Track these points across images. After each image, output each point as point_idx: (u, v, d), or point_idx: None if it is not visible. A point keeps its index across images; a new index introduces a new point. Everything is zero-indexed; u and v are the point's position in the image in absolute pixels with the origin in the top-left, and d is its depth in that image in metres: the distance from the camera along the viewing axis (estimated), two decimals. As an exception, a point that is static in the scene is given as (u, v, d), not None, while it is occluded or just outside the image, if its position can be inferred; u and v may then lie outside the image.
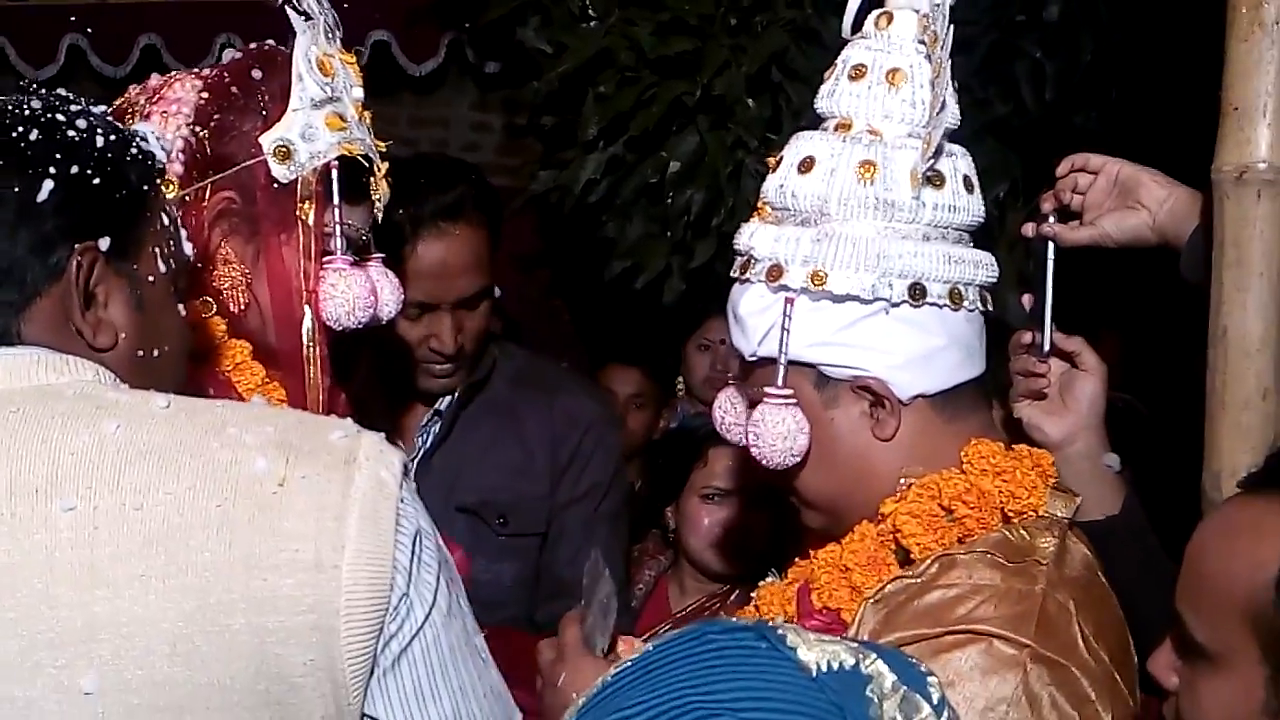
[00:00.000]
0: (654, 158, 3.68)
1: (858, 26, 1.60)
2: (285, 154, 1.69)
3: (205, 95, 1.73)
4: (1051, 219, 1.81)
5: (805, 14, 3.56)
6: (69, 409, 1.22)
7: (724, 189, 3.64)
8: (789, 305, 1.50)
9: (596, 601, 1.49)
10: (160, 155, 1.39)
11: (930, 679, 1.00)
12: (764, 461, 1.53)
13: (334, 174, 1.70)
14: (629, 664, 1.01)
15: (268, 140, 1.69)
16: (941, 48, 1.52)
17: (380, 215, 1.81)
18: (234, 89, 1.73)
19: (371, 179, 1.78)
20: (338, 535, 1.19)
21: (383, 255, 1.84)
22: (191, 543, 1.17)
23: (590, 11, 3.70)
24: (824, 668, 0.98)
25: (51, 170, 1.26)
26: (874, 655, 1.00)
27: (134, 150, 1.35)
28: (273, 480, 1.19)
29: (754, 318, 1.54)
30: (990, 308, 1.58)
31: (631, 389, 3.73)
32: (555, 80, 3.67)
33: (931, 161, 1.50)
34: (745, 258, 1.56)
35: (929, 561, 1.48)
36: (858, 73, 1.55)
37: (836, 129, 1.55)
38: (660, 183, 3.68)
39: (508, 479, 2.38)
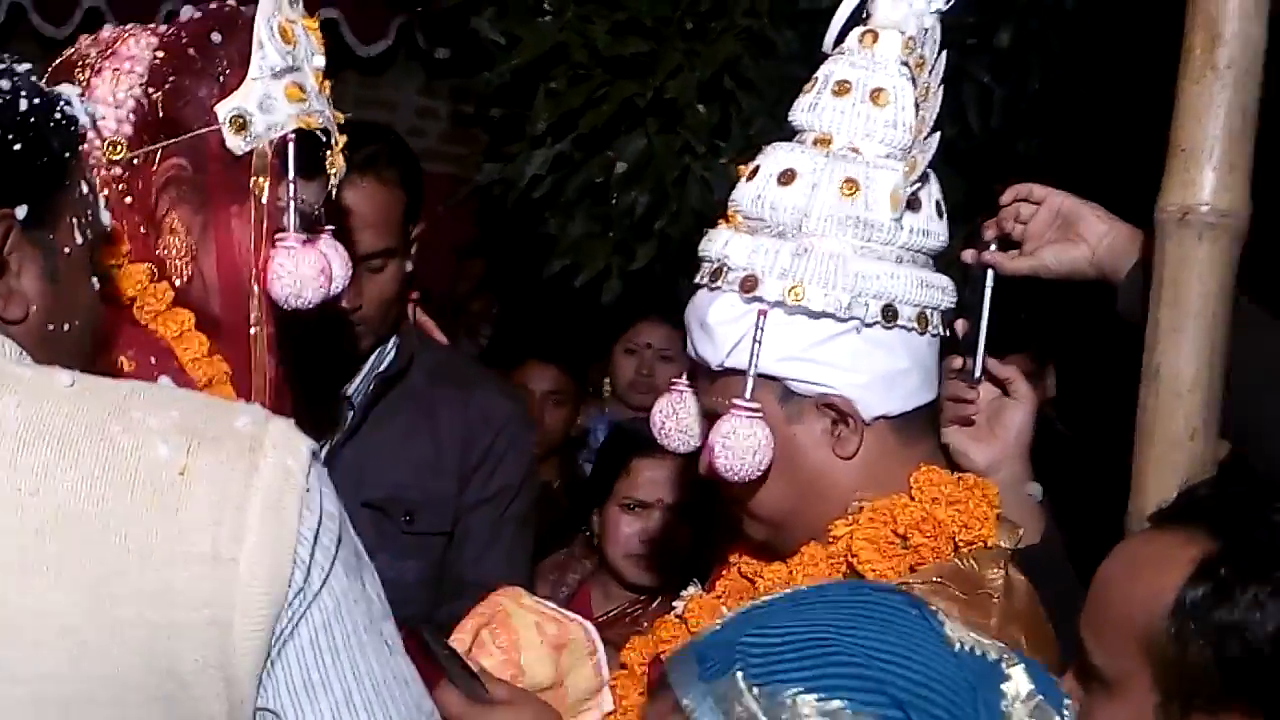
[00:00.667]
0: (601, 157, 3.67)
1: (839, 41, 1.59)
2: (241, 125, 1.63)
3: (160, 55, 1.66)
4: (992, 246, 1.82)
5: (761, 23, 3.58)
6: None
7: (669, 193, 3.64)
8: (762, 318, 1.48)
9: (452, 669, 1.53)
10: (84, 120, 1.34)
11: (1067, 701, 1.02)
12: (727, 474, 1.50)
13: (290, 148, 1.64)
14: (781, 595, 1.04)
15: (224, 109, 1.63)
16: (930, 72, 1.51)
17: (335, 190, 1.76)
18: (191, 50, 1.67)
19: (328, 153, 1.72)
20: (238, 527, 1.14)
21: (332, 228, 1.78)
22: (86, 532, 1.12)
23: (546, 6, 3.68)
24: (967, 649, 1.01)
25: None
26: (1018, 660, 1.03)
27: (58, 114, 1.29)
28: (174, 468, 1.14)
29: (723, 327, 1.52)
30: (945, 333, 1.58)
31: (548, 385, 3.70)
32: (507, 72, 3.65)
33: (916, 186, 1.49)
34: (716, 265, 1.54)
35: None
36: (841, 88, 1.54)
37: (816, 143, 1.54)
38: (605, 183, 3.68)
39: (416, 476, 2.31)
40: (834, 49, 1.59)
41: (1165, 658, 1.26)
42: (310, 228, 1.72)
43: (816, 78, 1.59)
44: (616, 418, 3.74)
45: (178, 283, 1.68)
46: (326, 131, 1.70)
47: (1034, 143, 3.63)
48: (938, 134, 1.48)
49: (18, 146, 1.24)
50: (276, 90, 1.64)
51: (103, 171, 1.66)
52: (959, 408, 1.78)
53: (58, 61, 1.72)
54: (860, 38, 1.57)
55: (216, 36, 1.67)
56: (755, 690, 0.98)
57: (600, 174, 3.68)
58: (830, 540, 1.52)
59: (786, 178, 1.52)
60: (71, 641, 1.12)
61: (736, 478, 1.50)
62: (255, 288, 1.67)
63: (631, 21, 3.58)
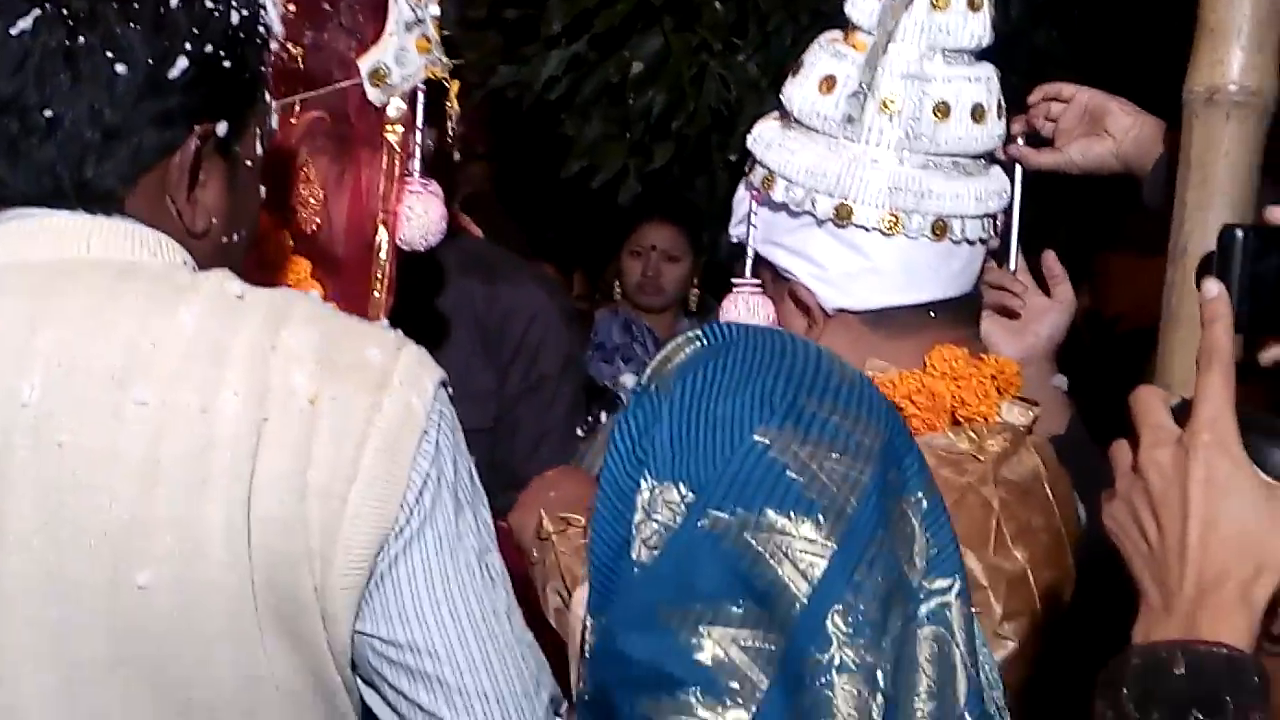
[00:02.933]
0: (617, 57, 3.66)
1: None
2: (381, 77, 1.68)
3: (292, 7, 1.67)
4: (1020, 141, 1.83)
5: (778, -82, 3.53)
6: (151, 290, 1.20)
7: (686, 91, 3.64)
8: (754, 203, 1.55)
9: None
10: (278, 29, 1.35)
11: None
12: None
13: (420, 97, 1.71)
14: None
15: (365, 63, 1.68)
16: None
17: (452, 135, 1.85)
18: (325, 4, 1.70)
19: (446, 100, 1.80)
20: (352, 465, 1.18)
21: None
22: (239, 452, 1.16)
23: (559, -94, 3.65)
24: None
25: (187, 46, 1.22)
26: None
27: (260, 26, 1.30)
28: (305, 396, 1.18)
29: (737, 209, 1.59)
30: (974, 237, 1.56)
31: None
32: (519, -27, 3.63)
33: (864, 92, 1.49)
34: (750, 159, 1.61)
35: None
36: None
37: (842, 37, 1.55)
38: (622, 83, 3.67)
39: (453, 372, 2.35)
40: None
41: None
42: (426, 171, 1.78)
43: None
44: (628, 318, 3.78)
45: (306, 230, 1.72)
46: (446, 80, 1.76)
47: (1053, 33, 3.61)
48: (971, 27, 1.49)
49: (227, 64, 1.25)
50: (409, 43, 1.70)
51: None
52: (1001, 296, 1.80)
53: None
54: None
55: None
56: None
57: (616, 74, 3.67)
58: None
59: (795, 67, 1.56)
60: (228, 557, 1.16)
61: None
62: (383, 231, 1.73)
63: (647, -80, 3.55)
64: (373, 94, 1.69)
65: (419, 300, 2.33)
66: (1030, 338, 1.78)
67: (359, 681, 1.25)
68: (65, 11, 1.20)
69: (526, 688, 1.25)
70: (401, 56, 1.70)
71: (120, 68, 1.20)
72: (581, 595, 1.53)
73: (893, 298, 1.54)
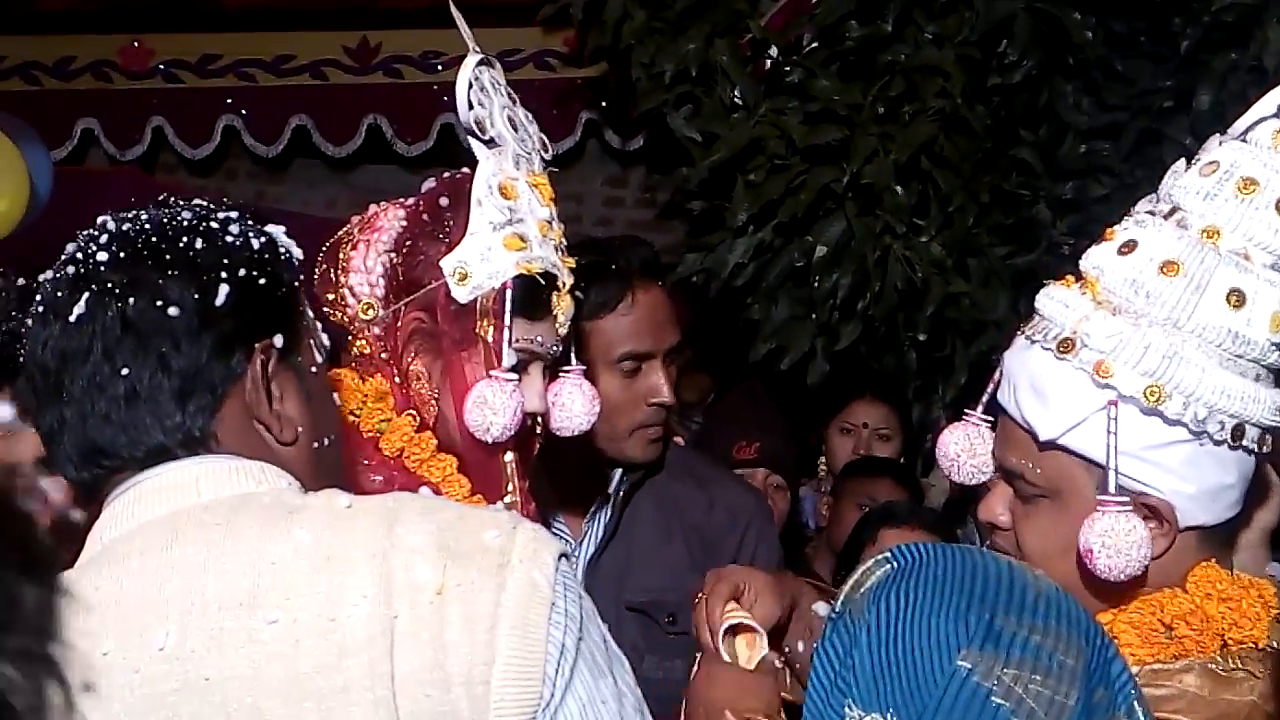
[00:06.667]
0: (801, 241, 3.73)
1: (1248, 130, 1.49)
2: (463, 275, 1.76)
3: (404, 224, 1.82)
4: None
5: (954, 103, 3.59)
6: (265, 517, 1.26)
7: (870, 273, 3.67)
8: (1113, 408, 1.43)
9: None
10: (296, 252, 1.43)
11: None
12: (1107, 574, 1.44)
13: (508, 293, 1.75)
14: None
15: (448, 264, 1.76)
16: None
17: (564, 329, 1.87)
18: (425, 216, 1.82)
19: (554, 295, 1.83)
20: (488, 649, 1.20)
21: (581, 367, 1.92)
22: (375, 654, 1.19)
23: (738, 101, 3.78)
24: None
25: (223, 275, 1.31)
26: None
27: (281, 249, 1.40)
28: (431, 588, 1.21)
29: (1063, 401, 1.46)
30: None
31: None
32: (705, 169, 3.75)
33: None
34: (1068, 336, 1.47)
35: (1136, 669, 1.40)
36: (1247, 185, 1.44)
37: (1204, 234, 1.44)
38: (806, 266, 3.73)
39: (675, 577, 2.34)
40: (1241, 136, 1.47)
41: None
42: (555, 365, 1.85)
43: (1216, 161, 1.46)
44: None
45: (429, 424, 1.80)
46: (549, 275, 1.81)
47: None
48: None
49: (263, 281, 1.34)
50: (495, 242, 1.76)
51: (364, 333, 1.82)
52: None
53: (334, 239, 1.89)
54: (1275, 134, 1.45)
55: (444, 200, 1.81)
56: None
57: (801, 258, 3.73)
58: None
59: (1170, 269, 1.43)
60: None
61: (1120, 576, 1.44)
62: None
63: (824, 111, 3.63)
64: (456, 291, 1.76)
65: (635, 506, 2.41)
66: (1244, 529, 1.73)
67: None
68: (110, 285, 1.30)
69: None
70: (487, 254, 1.76)
71: (173, 311, 1.29)
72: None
73: (1231, 511, 1.49)
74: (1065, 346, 1.46)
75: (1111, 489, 1.43)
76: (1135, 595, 1.48)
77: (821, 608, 1.37)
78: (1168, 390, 1.42)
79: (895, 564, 1.16)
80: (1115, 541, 1.43)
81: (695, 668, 1.80)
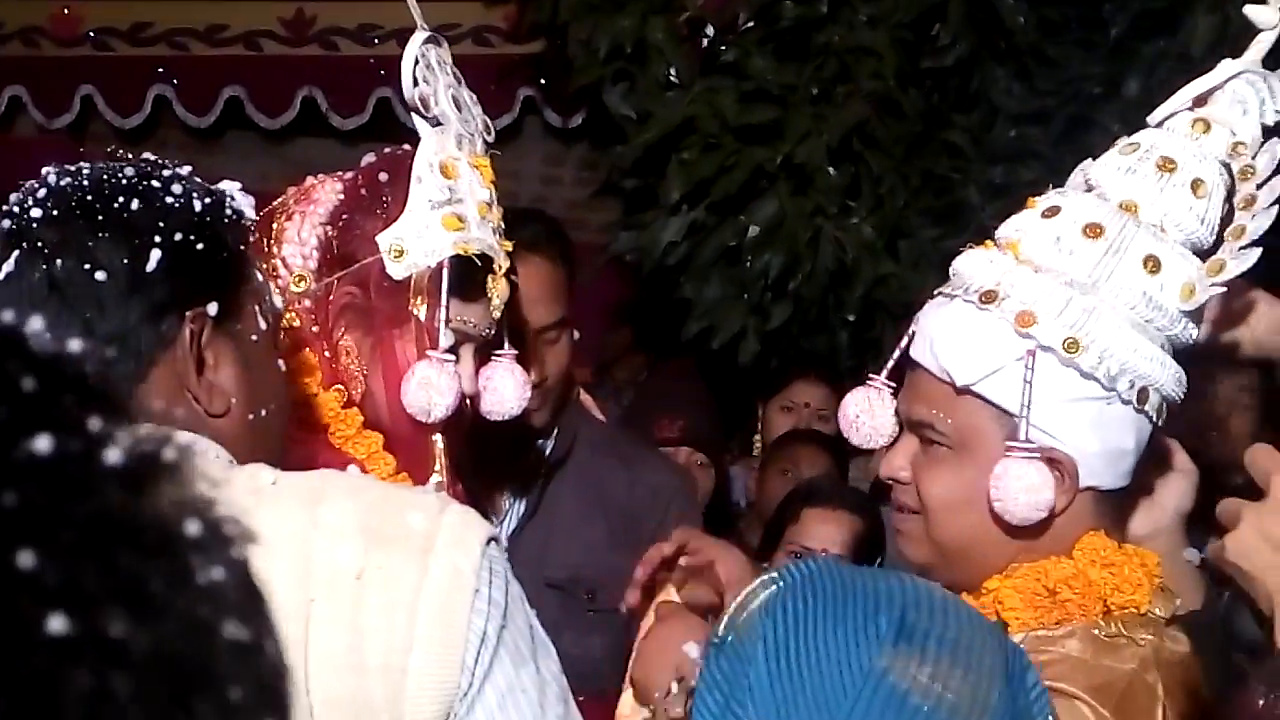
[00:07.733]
0: (734, 221, 3.75)
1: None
2: (399, 252, 1.74)
3: (341, 197, 1.80)
4: None
5: (887, 85, 3.63)
6: None
7: (802, 254, 3.70)
8: (1031, 357, 1.47)
9: None
10: (249, 212, 1.40)
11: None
12: (1007, 517, 1.48)
13: (445, 273, 1.74)
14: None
15: (384, 239, 1.74)
16: (1260, 186, 1.49)
17: (498, 312, 1.86)
18: (363, 191, 1.80)
19: (490, 277, 1.82)
20: (407, 636, 1.18)
21: (514, 352, 1.91)
22: (290, 637, 1.18)
23: (674, 79, 3.78)
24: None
25: (157, 239, 1.27)
26: None
27: (228, 210, 1.35)
28: (352, 572, 1.19)
29: (981, 350, 1.49)
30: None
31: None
32: (640, 146, 3.75)
33: (1215, 291, 1.48)
34: (990, 289, 1.50)
35: (1021, 636, 1.45)
36: (1166, 164, 1.51)
37: (1122, 207, 1.51)
38: (739, 246, 3.74)
39: (594, 554, 2.37)
40: (1159, 125, 1.56)
41: None
42: (485, 348, 1.84)
43: (1135, 143, 1.55)
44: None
45: (355, 400, 1.78)
46: (485, 257, 1.79)
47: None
48: (1258, 250, 1.46)
49: (200, 246, 1.30)
50: (433, 220, 1.74)
51: (294, 305, 1.79)
52: None
53: (267, 209, 1.86)
54: (1192, 123, 1.54)
55: (384, 176, 1.79)
56: None
57: (733, 238, 3.75)
58: (982, 591, 1.53)
59: (1093, 231, 1.49)
60: None
61: (1021, 521, 1.48)
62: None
63: (759, 91, 3.65)
64: (391, 268, 1.74)
65: (556, 485, 2.41)
66: (1156, 510, 1.72)
67: None
68: (40, 244, 1.27)
69: None
70: (424, 233, 1.74)
71: (100, 275, 1.26)
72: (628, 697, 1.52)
73: (1125, 479, 1.54)
74: (988, 298, 1.50)
75: (1023, 435, 1.46)
76: (1029, 557, 1.51)
77: (692, 649, 1.29)
78: (1084, 343, 1.46)
79: (784, 581, 1.08)
80: (1021, 485, 1.46)
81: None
